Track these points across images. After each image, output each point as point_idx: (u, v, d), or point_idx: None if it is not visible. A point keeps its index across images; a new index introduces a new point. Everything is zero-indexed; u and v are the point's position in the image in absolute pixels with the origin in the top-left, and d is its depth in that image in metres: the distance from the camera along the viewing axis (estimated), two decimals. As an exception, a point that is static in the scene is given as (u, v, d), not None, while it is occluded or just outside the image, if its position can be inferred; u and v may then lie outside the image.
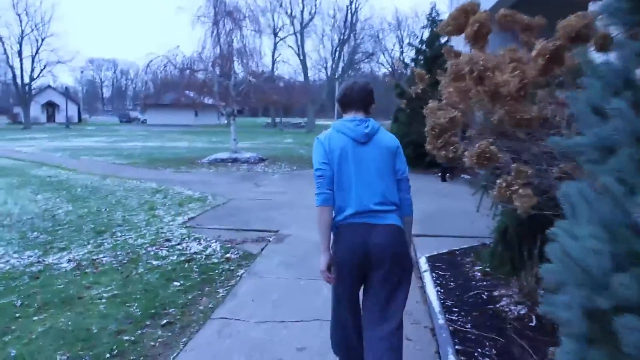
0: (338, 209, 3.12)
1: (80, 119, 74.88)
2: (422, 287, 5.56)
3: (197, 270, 6.10)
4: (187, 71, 19.29)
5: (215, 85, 19.36)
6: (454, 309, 4.77)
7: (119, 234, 7.81)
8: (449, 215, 9.30)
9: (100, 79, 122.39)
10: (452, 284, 5.53)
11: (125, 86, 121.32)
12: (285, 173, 16.28)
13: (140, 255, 6.71)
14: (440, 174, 15.39)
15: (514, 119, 2.32)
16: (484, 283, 5.44)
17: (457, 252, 6.81)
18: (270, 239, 7.56)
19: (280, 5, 57.74)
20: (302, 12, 58.02)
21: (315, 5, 63.11)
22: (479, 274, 5.73)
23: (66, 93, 71.07)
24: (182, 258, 6.57)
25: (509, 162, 3.13)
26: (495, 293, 5.07)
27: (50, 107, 72.40)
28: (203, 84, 19.73)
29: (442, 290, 5.29)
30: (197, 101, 21.16)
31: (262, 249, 7.01)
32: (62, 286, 5.52)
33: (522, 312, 4.51)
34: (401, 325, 3.10)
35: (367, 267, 3.08)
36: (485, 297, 5.04)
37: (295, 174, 16.07)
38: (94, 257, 6.58)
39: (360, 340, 3.19)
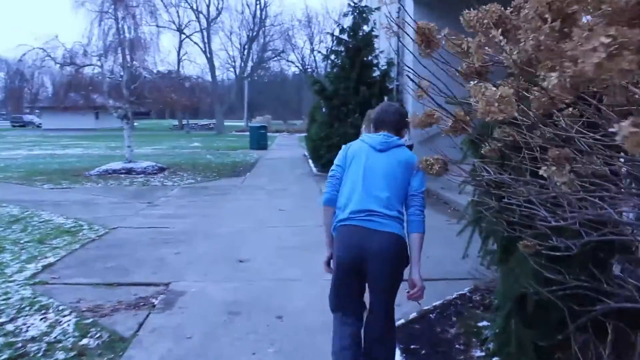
0: (338, 208, 3.25)
1: (-36, 124, 68.33)
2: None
3: (23, 383, 3.64)
4: (69, 67, 16.30)
5: (104, 82, 16.53)
6: None
7: None
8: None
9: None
10: (449, 395, 3.37)
11: (22, 87, 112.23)
12: (188, 186, 13.66)
13: None
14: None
15: None
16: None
17: (431, 316, 4.68)
18: (156, 302, 5.13)
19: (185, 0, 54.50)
20: (208, 7, 54.97)
21: (223, 0, 59.88)
22: (486, 367, 3.61)
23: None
24: (5, 355, 4.06)
25: None
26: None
27: None
28: (90, 82, 16.79)
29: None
30: (82, 102, 17.89)
31: (140, 325, 4.58)
32: None
33: None
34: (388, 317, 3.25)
35: (363, 269, 3.13)
36: None
37: (200, 188, 13.45)
38: None
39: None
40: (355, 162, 3.25)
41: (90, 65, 16.61)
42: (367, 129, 13.35)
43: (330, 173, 3.35)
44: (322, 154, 14.60)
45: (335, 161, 3.37)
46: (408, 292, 3.19)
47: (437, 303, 4.90)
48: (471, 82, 2.50)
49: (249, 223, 8.79)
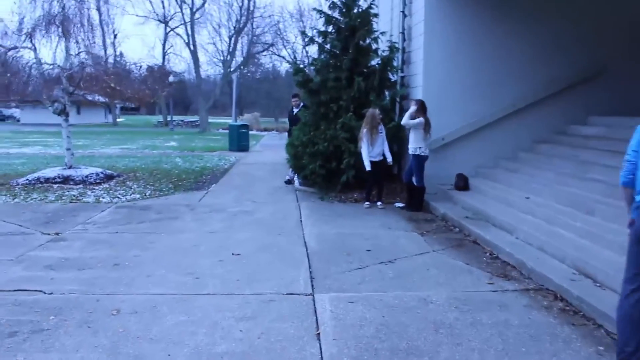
0: (637, 192, 3.36)
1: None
2: None
3: None
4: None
5: (39, 69, 13.33)
6: None
7: None
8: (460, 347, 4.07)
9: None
10: None
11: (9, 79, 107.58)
12: (126, 205, 10.29)
13: None
14: (365, 199, 10.25)
15: None
16: None
17: None
18: None
19: (168, -12, 51.05)
20: (192, -3, 51.33)
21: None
22: None
23: None
24: None
25: None
26: None
27: None
28: (18, 69, 13.48)
29: None
30: (4, 95, 14.34)
31: None
32: None
33: None
34: None
35: None
36: None
37: (140, 209, 9.94)
38: None
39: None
40: None
41: (22, 48, 13.30)
42: (368, 132, 10.19)
43: (626, 157, 3.47)
44: (305, 163, 11.25)
45: (630, 145, 3.42)
46: None
47: None
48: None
49: (174, 283, 5.58)
